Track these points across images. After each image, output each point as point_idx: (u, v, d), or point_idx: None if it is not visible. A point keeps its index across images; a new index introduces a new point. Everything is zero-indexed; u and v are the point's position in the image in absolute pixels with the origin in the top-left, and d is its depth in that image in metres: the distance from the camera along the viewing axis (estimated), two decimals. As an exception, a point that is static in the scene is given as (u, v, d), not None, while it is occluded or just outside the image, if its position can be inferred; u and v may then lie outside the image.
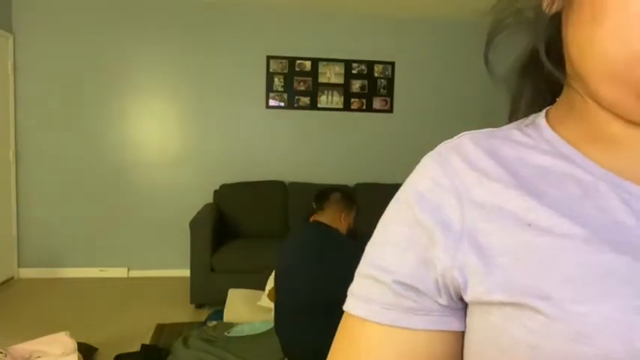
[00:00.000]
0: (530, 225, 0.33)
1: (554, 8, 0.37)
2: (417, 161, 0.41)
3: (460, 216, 0.36)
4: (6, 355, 2.15)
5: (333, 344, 0.41)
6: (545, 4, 0.38)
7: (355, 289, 0.40)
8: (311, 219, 2.12)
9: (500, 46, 0.43)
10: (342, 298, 0.41)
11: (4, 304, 3.31)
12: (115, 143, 3.94)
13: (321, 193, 2.22)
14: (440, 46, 4.27)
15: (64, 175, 3.90)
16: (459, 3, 3.79)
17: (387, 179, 4.05)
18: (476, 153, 0.39)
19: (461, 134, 0.41)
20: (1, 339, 2.50)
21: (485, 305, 0.33)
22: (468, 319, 0.36)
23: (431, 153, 0.41)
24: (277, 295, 2.05)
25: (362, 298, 0.38)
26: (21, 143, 3.84)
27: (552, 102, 0.42)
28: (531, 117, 0.42)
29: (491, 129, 0.42)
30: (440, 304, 0.36)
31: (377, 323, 0.37)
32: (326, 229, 2.00)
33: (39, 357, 2.22)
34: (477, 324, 0.35)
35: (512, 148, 0.39)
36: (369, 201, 3.98)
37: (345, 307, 0.40)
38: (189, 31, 3.95)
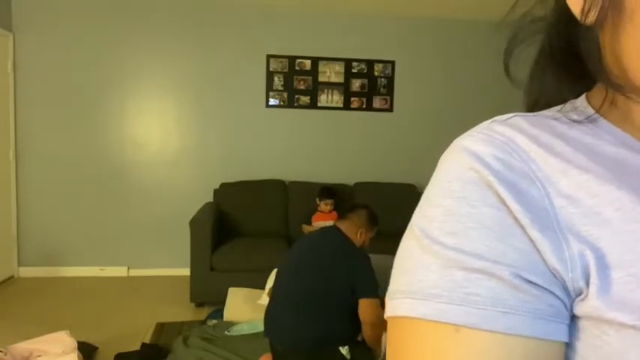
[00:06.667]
0: None
1: (591, 18, 0.31)
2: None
3: (550, 210, 0.29)
4: (6, 354, 2.16)
5: None
6: (579, 14, 0.32)
7: (433, 288, 0.29)
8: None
9: (521, 54, 0.40)
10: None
11: (4, 303, 3.31)
12: (115, 142, 3.95)
13: (352, 207, 2.31)
14: (440, 45, 4.26)
15: (64, 175, 3.90)
16: (459, 2, 3.79)
17: (386, 178, 4.05)
18: (544, 135, 0.32)
19: (508, 115, 0.34)
20: (1, 338, 2.49)
21: (597, 322, 0.28)
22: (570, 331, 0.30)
23: (476, 130, 0.33)
24: (276, 290, 2.07)
25: (455, 299, 0.28)
26: (21, 143, 3.84)
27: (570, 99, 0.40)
28: (567, 106, 0.37)
29: (536, 112, 0.36)
30: (566, 309, 0.29)
31: (487, 331, 0.28)
32: (343, 236, 2.08)
33: (39, 356, 2.23)
34: (586, 341, 0.29)
35: (578, 135, 0.32)
36: (369, 200, 4.00)
37: (411, 311, 0.30)
38: (190, 29, 3.95)
